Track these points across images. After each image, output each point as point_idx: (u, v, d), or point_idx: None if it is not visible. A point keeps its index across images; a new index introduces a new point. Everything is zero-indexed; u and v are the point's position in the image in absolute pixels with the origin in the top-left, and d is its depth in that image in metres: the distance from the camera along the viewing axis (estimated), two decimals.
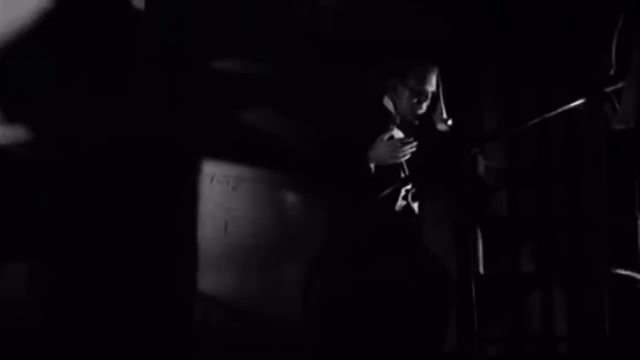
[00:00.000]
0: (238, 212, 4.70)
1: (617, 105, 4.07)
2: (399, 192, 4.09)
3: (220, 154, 4.68)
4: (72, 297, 4.19)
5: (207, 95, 4.63)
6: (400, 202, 4.12)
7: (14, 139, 4.11)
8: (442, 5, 5.34)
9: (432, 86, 4.10)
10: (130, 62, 4.43)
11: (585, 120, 4.05)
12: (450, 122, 4.15)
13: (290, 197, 4.87)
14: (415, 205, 4.20)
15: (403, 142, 3.97)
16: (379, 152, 3.97)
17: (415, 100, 4.09)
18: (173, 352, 4.43)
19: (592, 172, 3.87)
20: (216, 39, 4.70)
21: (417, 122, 4.18)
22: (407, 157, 3.99)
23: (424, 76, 4.09)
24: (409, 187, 4.12)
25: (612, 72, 4.06)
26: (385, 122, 4.15)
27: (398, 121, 4.16)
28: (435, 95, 4.14)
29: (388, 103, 4.17)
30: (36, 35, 4.18)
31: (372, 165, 3.99)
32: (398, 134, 4.14)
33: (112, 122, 4.33)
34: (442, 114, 4.14)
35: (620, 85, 4.03)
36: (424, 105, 4.11)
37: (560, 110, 4.19)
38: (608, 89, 4.03)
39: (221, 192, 4.65)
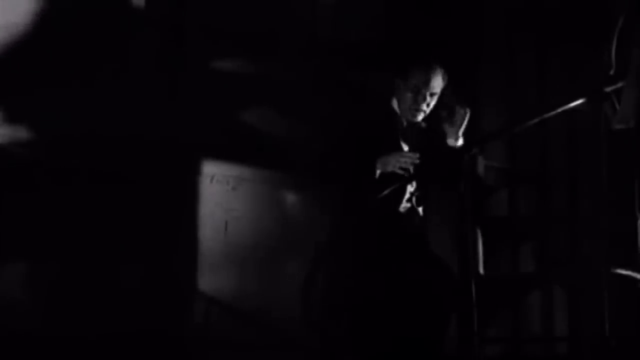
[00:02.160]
0: (238, 212, 4.70)
1: (617, 105, 4.06)
2: (403, 193, 4.08)
3: (220, 154, 4.68)
4: (71, 297, 4.19)
5: (207, 95, 4.63)
6: (405, 204, 4.11)
7: (12, 139, 4.10)
8: (441, 5, 5.34)
9: (434, 88, 4.08)
10: (130, 62, 4.43)
11: (585, 120, 4.04)
12: (461, 141, 4.14)
13: (290, 197, 4.87)
14: (420, 208, 4.20)
15: (405, 156, 3.96)
16: (385, 159, 3.96)
17: (415, 101, 4.08)
18: (173, 352, 4.43)
19: (592, 172, 3.87)
20: (216, 39, 4.70)
21: (424, 125, 4.16)
22: (408, 167, 3.97)
23: (426, 77, 4.07)
24: (412, 189, 4.11)
25: (612, 72, 4.06)
26: (390, 122, 4.14)
27: (405, 122, 4.15)
28: (440, 99, 4.13)
29: (395, 104, 4.16)
30: (34, 34, 4.17)
31: (378, 171, 3.98)
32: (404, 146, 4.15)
33: (111, 122, 4.33)
34: (458, 130, 4.12)
35: (620, 85, 4.03)
36: (424, 107, 4.10)
37: (560, 110, 4.19)
38: (608, 89, 4.03)
39: (221, 192, 4.66)
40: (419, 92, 4.06)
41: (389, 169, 3.96)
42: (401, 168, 3.96)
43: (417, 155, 3.97)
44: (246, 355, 4.62)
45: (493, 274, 5.02)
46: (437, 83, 4.08)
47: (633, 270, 3.95)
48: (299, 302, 4.76)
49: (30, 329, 4.08)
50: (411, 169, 3.99)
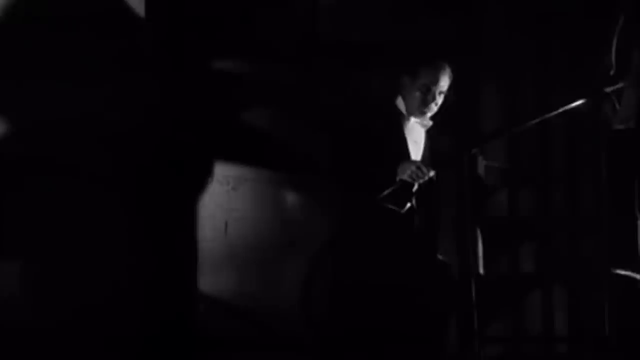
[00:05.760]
0: (238, 213, 4.70)
1: (617, 105, 4.07)
2: (409, 194, 4.07)
3: (221, 154, 4.68)
4: (68, 297, 4.18)
5: (207, 96, 4.63)
6: (407, 205, 4.11)
7: (5, 137, 4.10)
8: (441, 5, 5.34)
9: (443, 87, 4.09)
10: (131, 63, 4.43)
11: (585, 120, 4.05)
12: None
13: (291, 197, 4.87)
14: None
15: (422, 170, 3.95)
16: (405, 166, 3.97)
17: (424, 100, 4.08)
18: (173, 352, 4.43)
19: (592, 172, 3.88)
20: (216, 39, 4.70)
21: (430, 123, 4.16)
22: (419, 181, 3.97)
23: (435, 76, 4.08)
24: (414, 189, 4.11)
25: (612, 72, 4.06)
26: (395, 121, 4.14)
27: (410, 120, 4.15)
28: (447, 97, 4.13)
29: (400, 103, 4.16)
30: (32, 31, 4.17)
31: (397, 177, 3.98)
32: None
33: (110, 122, 4.33)
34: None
35: (620, 85, 4.04)
36: (433, 105, 4.10)
37: (560, 110, 4.20)
38: (608, 89, 4.03)
39: (221, 193, 4.66)
40: (429, 91, 4.06)
41: (405, 177, 3.96)
42: (414, 179, 3.96)
43: (434, 172, 3.96)
44: (246, 355, 4.62)
45: (493, 274, 5.02)
46: (446, 82, 4.09)
47: (633, 270, 3.96)
48: (299, 302, 4.77)
49: (25, 327, 4.07)
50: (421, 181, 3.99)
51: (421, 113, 4.10)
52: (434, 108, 4.10)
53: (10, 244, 4.11)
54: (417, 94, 4.08)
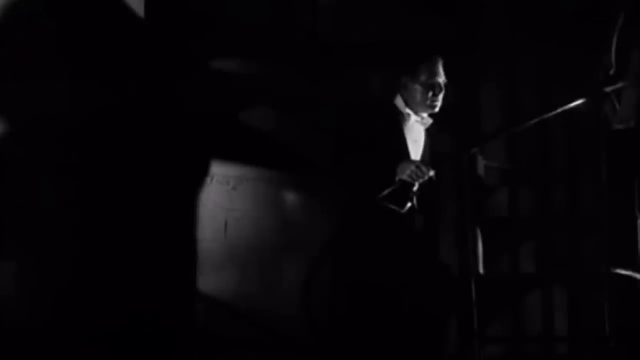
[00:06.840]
0: (238, 213, 4.70)
1: (617, 105, 4.08)
2: (409, 194, 4.08)
3: (221, 154, 4.68)
4: (67, 297, 4.18)
5: (207, 95, 4.63)
6: (407, 204, 4.11)
7: (3, 136, 4.10)
8: (441, 5, 5.34)
9: (442, 77, 4.11)
10: (130, 64, 4.43)
11: (585, 120, 4.05)
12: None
13: (290, 197, 4.87)
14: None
15: (422, 169, 3.96)
16: (404, 166, 3.97)
17: (430, 94, 4.09)
18: (173, 352, 4.43)
19: (592, 172, 3.88)
20: (216, 40, 4.70)
21: (430, 121, 4.17)
22: (419, 180, 3.98)
23: (433, 70, 4.10)
24: (415, 189, 4.11)
25: (612, 72, 4.07)
26: (395, 121, 4.14)
27: (411, 119, 4.15)
28: (446, 96, 4.14)
29: (400, 102, 4.17)
30: (29, 29, 4.17)
31: (397, 177, 3.99)
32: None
33: (109, 121, 4.33)
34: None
35: (620, 85, 4.04)
36: (440, 98, 4.11)
37: (560, 110, 4.20)
38: (608, 89, 4.04)
39: (221, 192, 4.66)
40: (434, 84, 4.08)
41: (404, 177, 3.97)
42: (413, 179, 3.97)
43: (433, 172, 3.97)
44: (246, 355, 4.62)
45: (493, 274, 5.02)
46: (442, 72, 4.11)
47: (633, 270, 3.96)
48: (299, 302, 4.77)
49: (20, 326, 4.07)
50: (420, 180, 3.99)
51: (431, 108, 4.11)
52: (440, 100, 4.12)
53: (8, 244, 4.12)
54: (421, 89, 4.10)
